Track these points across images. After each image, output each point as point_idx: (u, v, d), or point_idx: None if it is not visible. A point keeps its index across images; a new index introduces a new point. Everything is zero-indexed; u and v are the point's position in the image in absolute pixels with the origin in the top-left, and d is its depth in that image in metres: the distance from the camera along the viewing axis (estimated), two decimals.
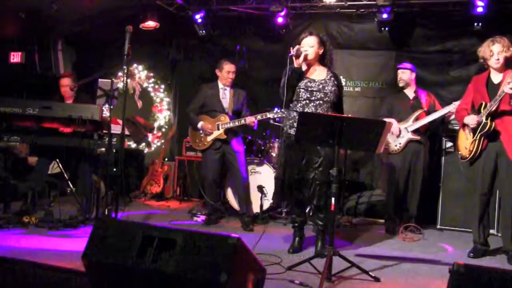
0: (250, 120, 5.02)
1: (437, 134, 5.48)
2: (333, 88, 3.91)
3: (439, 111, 5.03)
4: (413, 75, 5.26)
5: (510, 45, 3.95)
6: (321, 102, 3.87)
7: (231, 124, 5.09)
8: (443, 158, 5.44)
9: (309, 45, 3.88)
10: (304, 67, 3.90)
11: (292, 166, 3.90)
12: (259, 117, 5.04)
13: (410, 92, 5.26)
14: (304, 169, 3.88)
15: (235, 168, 5.16)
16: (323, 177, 3.81)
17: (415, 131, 5.10)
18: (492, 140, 4.03)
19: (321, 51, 3.96)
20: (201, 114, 5.23)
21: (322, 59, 4.00)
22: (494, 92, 3.94)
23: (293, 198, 4.02)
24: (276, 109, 5.09)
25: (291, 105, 4.00)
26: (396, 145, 5.16)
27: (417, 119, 5.11)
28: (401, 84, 5.26)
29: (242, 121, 5.06)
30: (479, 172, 4.12)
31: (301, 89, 3.90)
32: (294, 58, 3.76)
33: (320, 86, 3.89)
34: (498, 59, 3.97)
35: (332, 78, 3.95)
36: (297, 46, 3.82)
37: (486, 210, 4.18)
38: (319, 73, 3.98)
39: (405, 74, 5.23)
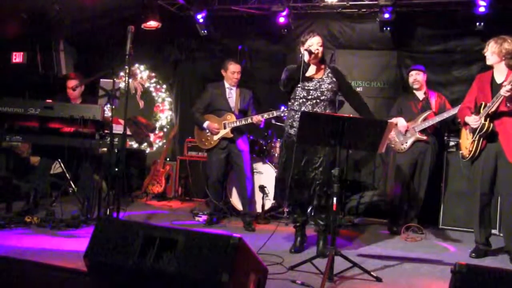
0: (257, 118, 5.01)
1: (440, 133, 5.46)
2: (330, 86, 3.94)
3: (448, 112, 5.01)
4: (425, 77, 5.28)
5: (508, 43, 3.95)
6: (317, 101, 3.91)
7: (238, 123, 5.09)
8: (445, 157, 5.43)
9: (319, 44, 3.93)
10: (314, 67, 3.96)
11: (292, 166, 3.90)
12: (265, 115, 5.04)
13: (420, 94, 5.26)
14: (304, 169, 3.89)
15: (240, 167, 5.16)
16: (324, 177, 3.83)
17: (422, 131, 5.09)
18: (491, 140, 4.03)
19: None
20: (207, 114, 5.22)
21: (322, 59, 4.05)
22: (497, 92, 3.94)
23: (293, 198, 4.03)
24: (282, 107, 5.08)
25: (289, 103, 4.05)
26: (403, 144, 5.16)
27: (425, 119, 5.10)
28: (416, 86, 5.23)
29: (249, 120, 5.06)
30: (478, 172, 4.12)
31: (298, 88, 3.95)
32: (308, 54, 3.80)
33: (317, 85, 3.94)
34: (487, 56, 4.07)
35: (330, 75, 3.99)
36: (309, 44, 3.90)
37: (487, 210, 4.18)
38: (317, 71, 4.01)
39: (420, 76, 5.22)
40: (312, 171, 3.88)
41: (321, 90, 3.92)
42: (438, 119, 5.04)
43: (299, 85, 3.92)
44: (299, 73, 3.76)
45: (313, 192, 3.89)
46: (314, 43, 3.91)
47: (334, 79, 3.99)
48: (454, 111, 4.94)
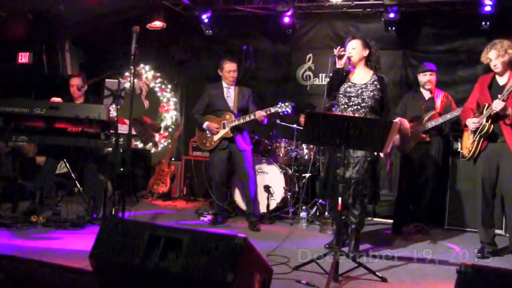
0: (260, 114, 4.97)
1: (445, 135, 5.43)
2: (372, 93, 3.91)
3: (451, 113, 4.91)
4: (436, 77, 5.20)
5: (508, 47, 3.93)
6: (358, 107, 3.92)
7: (237, 122, 5.07)
8: (450, 158, 5.40)
9: (352, 47, 3.98)
10: (350, 68, 3.99)
11: (334, 167, 3.88)
12: (268, 111, 5.00)
13: (427, 93, 5.15)
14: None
15: (242, 167, 5.14)
16: (358, 175, 3.84)
17: (426, 132, 4.99)
18: (492, 141, 4.03)
19: (365, 53, 4.03)
20: (206, 115, 5.22)
21: (368, 61, 4.05)
22: (497, 94, 3.93)
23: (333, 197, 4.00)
24: (280, 103, 5.03)
25: (332, 109, 4.09)
26: (405, 145, 5.03)
27: (429, 119, 4.99)
28: (428, 86, 5.09)
29: (247, 118, 5.02)
30: (480, 172, 4.12)
31: (340, 94, 3.97)
32: (336, 59, 3.84)
33: (359, 92, 3.93)
34: (495, 65, 4.02)
35: (375, 82, 3.97)
36: (339, 47, 3.94)
37: (490, 210, 4.18)
38: (362, 76, 4.01)
39: (433, 76, 5.10)
40: (349, 171, 3.86)
41: (362, 97, 3.91)
42: (441, 120, 4.95)
43: (340, 92, 3.95)
44: (336, 81, 3.83)
45: (351, 191, 3.86)
46: (348, 47, 3.98)
47: (379, 86, 3.96)
48: (457, 112, 4.85)
